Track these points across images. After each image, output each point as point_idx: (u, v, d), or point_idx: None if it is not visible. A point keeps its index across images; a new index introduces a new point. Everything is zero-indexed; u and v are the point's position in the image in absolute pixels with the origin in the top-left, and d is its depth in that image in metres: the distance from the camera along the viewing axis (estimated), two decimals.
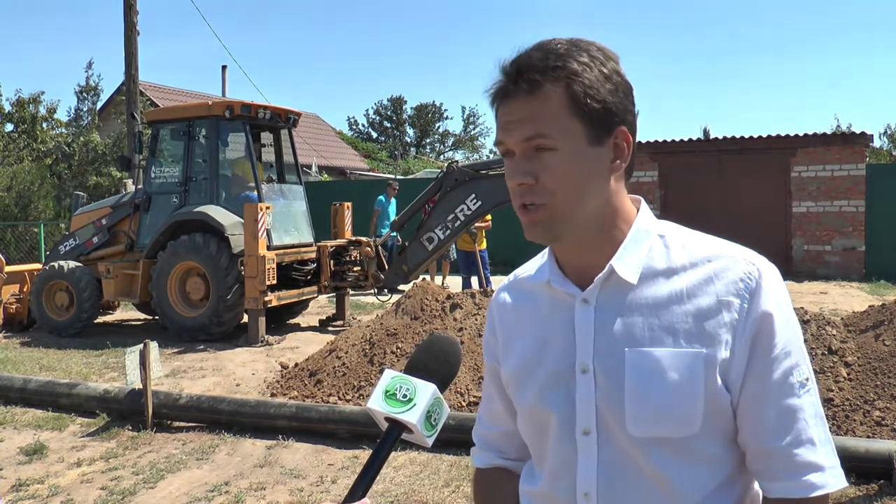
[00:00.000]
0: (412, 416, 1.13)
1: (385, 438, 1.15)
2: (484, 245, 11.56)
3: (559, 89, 1.10)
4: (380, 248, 10.21)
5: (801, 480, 1.09)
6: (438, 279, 12.66)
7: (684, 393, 1.09)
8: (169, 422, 5.91)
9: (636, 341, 1.13)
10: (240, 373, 7.75)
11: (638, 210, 1.21)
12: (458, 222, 9.01)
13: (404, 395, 1.15)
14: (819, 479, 1.09)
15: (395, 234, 11.30)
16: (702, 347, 1.10)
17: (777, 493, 1.11)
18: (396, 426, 1.14)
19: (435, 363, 1.21)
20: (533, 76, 1.10)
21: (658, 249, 1.17)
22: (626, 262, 1.15)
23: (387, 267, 10.03)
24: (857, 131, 14.93)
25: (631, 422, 1.11)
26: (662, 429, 1.11)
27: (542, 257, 1.28)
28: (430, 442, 1.17)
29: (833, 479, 1.09)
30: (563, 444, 1.18)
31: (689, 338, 1.11)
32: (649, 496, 1.13)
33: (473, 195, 8.89)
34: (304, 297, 10.38)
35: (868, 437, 4.68)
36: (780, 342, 1.10)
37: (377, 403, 1.15)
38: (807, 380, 1.11)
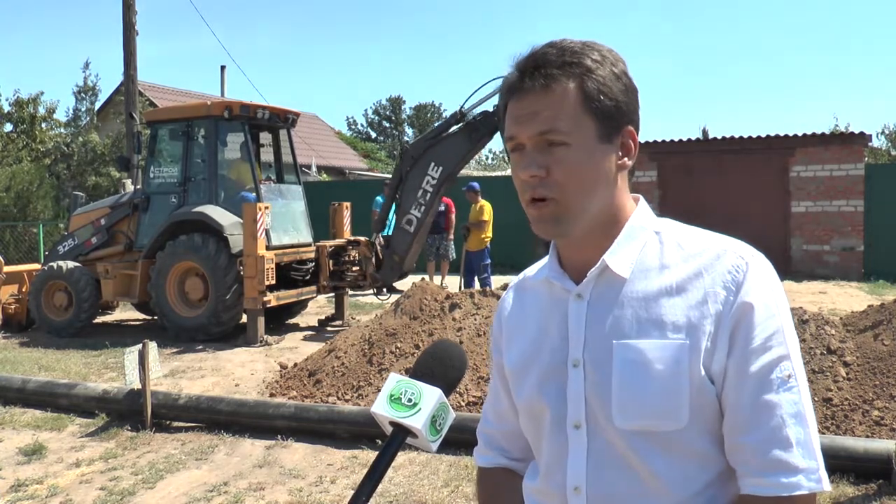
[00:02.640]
0: (417, 421, 1.13)
1: (389, 442, 1.14)
2: (483, 245, 11.52)
3: (574, 85, 1.12)
4: (378, 247, 10.20)
5: (771, 479, 1.07)
6: (438, 279, 12.65)
7: (669, 384, 1.09)
8: (168, 422, 5.91)
9: (624, 334, 1.13)
10: (239, 373, 7.75)
11: (637, 207, 1.22)
12: (429, 194, 9.17)
13: (409, 400, 1.14)
14: (789, 481, 1.06)
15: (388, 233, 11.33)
16: (686, 339, 1.10)
17: (746, 490, 1.09)
18: (401, 430, 1.14)
19: (441, 368, 1.21)
20: (550, 71, 1.12)
21: (653, 246, 1.18)
22: (619, 257, 1.16)
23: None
24: (856, 131, 14.92)
25: (618, 414, 1.11)
26: (649, 421, 1.10)
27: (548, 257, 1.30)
28: (434, 447, 1.16)
29: (807, 481, 1.06)
30: (555, 439, 1.19)
31: (675, 329, 1.11)
32: (638, 490, 1.13)
33: (432, 163, 9.10)
34: (302, 297, 10.38)
35: (867, 436, 4.68)
36: (761, 335, 1.09)
37: (382, 407, 1.15)
38: (789, 377, 1.09)
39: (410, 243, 9.43)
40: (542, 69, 1.12)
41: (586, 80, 1.12)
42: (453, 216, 12.30)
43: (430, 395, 1.15)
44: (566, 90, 1.11)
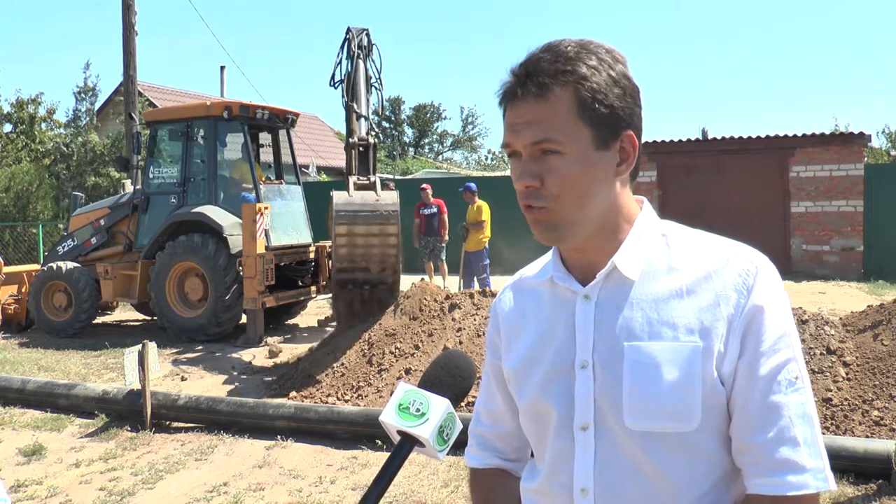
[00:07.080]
0: (425, 431, 1.13)
1: (396, 451, 1.15)
2: (481, 246, 11.50)
3: (568, 93, 1.10)
4: None
5: (778, 479, 1.08)
6: (437, 279, 12.65)
7: (682, 386, 1.10)
8: (168, 422, 5.91)
9: (635, 336, 1.13)
10: (238, 373, 7.74)
11: (641, 210, 1.22)
12: None
13: (417, 410, 1.15)
14: (797, 480, 1.07)
15: None
16: (699, 341, 1.10)
17: (754, 489, 1.10)
18: (408, 439, 1.15)
19: (449, 378, 1.22)
20: (542, 79, 1.10)
21: (660, 248, 1.18)
22: (628, 259, 1.16)
23: None
24: (856, 131, 14.92)
25: (629, 416, 1.11)
26: (661, 423, 1.11)
27: (547, 256, 1.29)
28: (441, 456, 1.17)
29: (814, 480, 1.07)
30: (560, 440, 1.18)
31: (687, 332, 1.11)
32: (646, 491, 1.13)
33: None
34: (302, 298, 10.37)
35: (866, 436, 4.68)
36: (770, 338, 1.10)
37: (390, 416, 1.15)
38: (796, 378, 1.10)
39: None
40: (535, 77, 1.11)
41: (580, 87, 1.10)
42: (446, 217, 12.27)
43: (438, 405, 1.16)
44: (560, 99, 1.10)
